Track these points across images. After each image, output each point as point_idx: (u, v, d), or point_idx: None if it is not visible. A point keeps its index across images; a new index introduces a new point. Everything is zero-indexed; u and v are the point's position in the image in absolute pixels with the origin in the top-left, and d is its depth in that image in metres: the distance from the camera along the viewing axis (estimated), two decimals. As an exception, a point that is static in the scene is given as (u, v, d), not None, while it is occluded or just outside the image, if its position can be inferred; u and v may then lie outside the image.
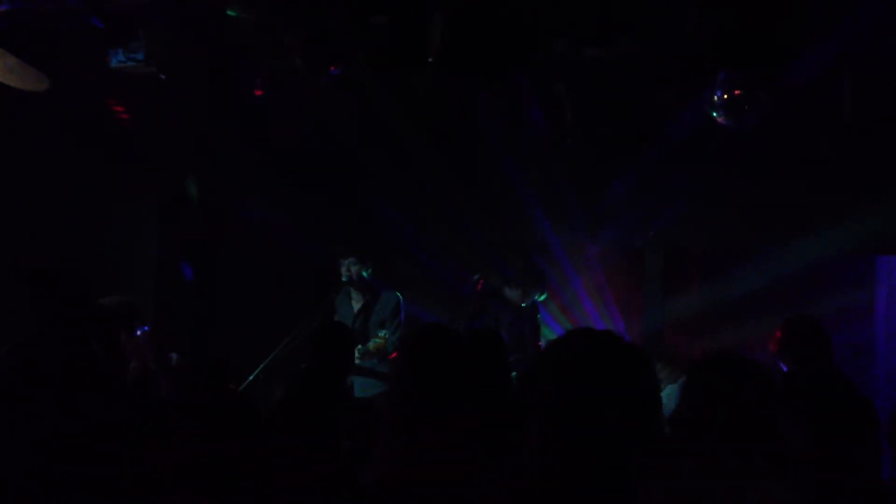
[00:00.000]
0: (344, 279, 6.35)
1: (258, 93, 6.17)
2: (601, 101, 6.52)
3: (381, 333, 6.05)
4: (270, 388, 5.91)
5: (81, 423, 2.61)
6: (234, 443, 2.64)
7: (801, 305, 6.40)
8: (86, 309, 3.73)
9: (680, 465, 1.87)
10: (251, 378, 6.02)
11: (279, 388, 5.54)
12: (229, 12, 5.13)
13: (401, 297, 6.38)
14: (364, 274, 6.33)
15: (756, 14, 4.17)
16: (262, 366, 6.07)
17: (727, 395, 2.26)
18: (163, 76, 5.42)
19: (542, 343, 6.94)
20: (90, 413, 2.64)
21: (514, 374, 4.80)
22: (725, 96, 5.66)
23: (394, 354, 6.18)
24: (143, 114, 6.60)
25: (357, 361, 5.75)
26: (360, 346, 5.95)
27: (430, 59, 4.83)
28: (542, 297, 6.83)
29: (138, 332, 4.40)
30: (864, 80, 5.81)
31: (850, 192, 6.61)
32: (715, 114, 5.74)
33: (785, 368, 4.22)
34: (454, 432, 2.50)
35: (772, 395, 2.30)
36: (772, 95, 5.64)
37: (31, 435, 2.57)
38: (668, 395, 5.10)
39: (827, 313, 6.33)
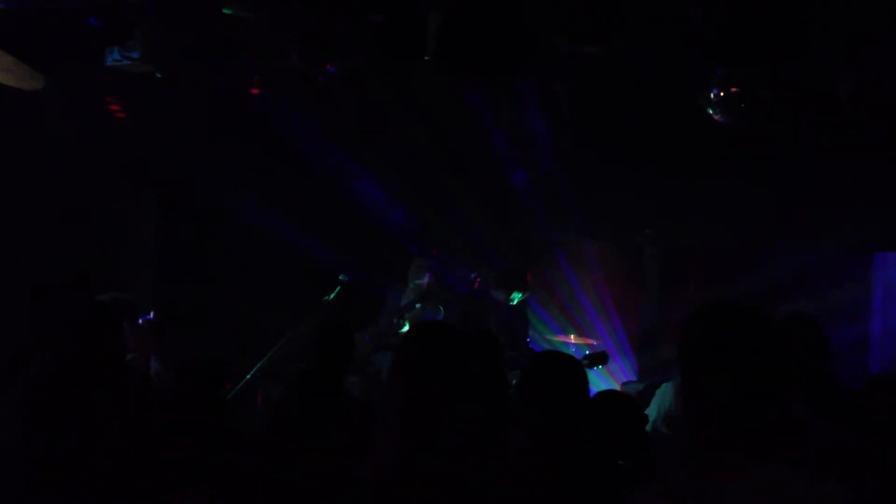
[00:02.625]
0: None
1: (254, 91, 6.15)
2: (600, 99, 6.51)
3: (418, 306, 6.21)
4: (267, 388, 5.92)
5: (96, 426, 2.62)
6: (225, 441, 2.64)
7: (799, 301, 6.41)
8: (86, 312, 3.72)
9: (679, 468, 1.86)
10: (248, 377, 6.02)
11: (278, 387, 5.56)
12: (225, 10, 5.11)
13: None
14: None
15: (756, 10, 4.16)
16: (258, 365, 6.06)
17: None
18: (158, 75, 5.40)
19: (531, 340, 6.99)
20: (104, 415, 2.65)
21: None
22: (722, 93, 5.65)
23: None
24: (140, 112, 6.58)
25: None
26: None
27: (428, 57, 4.81)
28: (522, 296, 6.86)
29: (140, 321, 4.42)
30: (862, 77, 5.80)
31: (848, 189, 6.61)
32: (711, 111, 5.73)
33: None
34: (451, 430, 2.49)
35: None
36: (769, 92, 5.63)
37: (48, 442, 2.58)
38: (663, 392, 5.09)
39: (824, 309, 6.36)
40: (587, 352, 6.81)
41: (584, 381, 3.15)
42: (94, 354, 3.32)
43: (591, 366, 6.45)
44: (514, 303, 6.92)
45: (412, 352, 2.66)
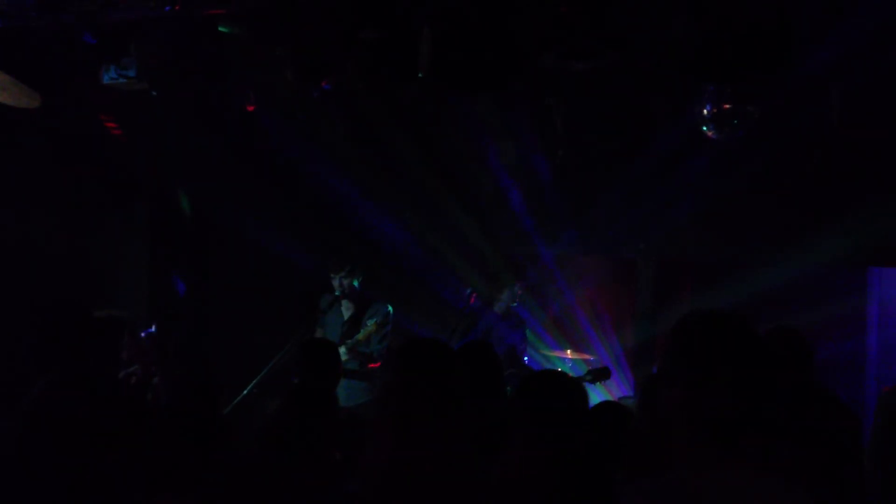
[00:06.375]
0: (337, 293, 6.39)
1: (250, 108, 6.19)
2: (591, 113, 6.55)
3: (370, 322, 6.11)
4: (263, 401, 5.92)
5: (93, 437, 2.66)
6: (219, 455, 2.66)
7: (793, 316, 6.39)
8: (83, 329, 3.75)
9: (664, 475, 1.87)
10: (245, 392, 6.03)
11: (272, 402, 5.56)
12: (220, 28, 5.16)
13: (391, 309, 6.41)
14: (355, 284, 6.38)
15: (742, 28, 4.19)
16: (256, 380, 6.07)
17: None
18: (154, 92, 5.44)
19: (527, 359, 6.97)
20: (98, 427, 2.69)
21: (508, 388, 4.80)
22: (715, 110, 5.69)
23: (378, 364, 6.27)
24: (135, 129, 6.63)
25: (344, 358, 5.79)
26: (348, 341, 6.03)
27: (420, 73, 4.85)
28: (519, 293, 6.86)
29: (143, 335, 4.46)
30: (853, 91, 5.84)
31: (842, 202, 6.62)
32: (704, 127, 5.77)
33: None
34: (441, 443, 2.51)
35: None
36: (761, 107, 5.67)
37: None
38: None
39: (819, 324, 6.34)
40: (589, 367, 6.79)
41: (583, 399, 3.14)
42: (91, 372, 3.35)
43: (593, 381, 6.43)
44: (521, 316, 6.90)
45: (404, 366, 2.68)
